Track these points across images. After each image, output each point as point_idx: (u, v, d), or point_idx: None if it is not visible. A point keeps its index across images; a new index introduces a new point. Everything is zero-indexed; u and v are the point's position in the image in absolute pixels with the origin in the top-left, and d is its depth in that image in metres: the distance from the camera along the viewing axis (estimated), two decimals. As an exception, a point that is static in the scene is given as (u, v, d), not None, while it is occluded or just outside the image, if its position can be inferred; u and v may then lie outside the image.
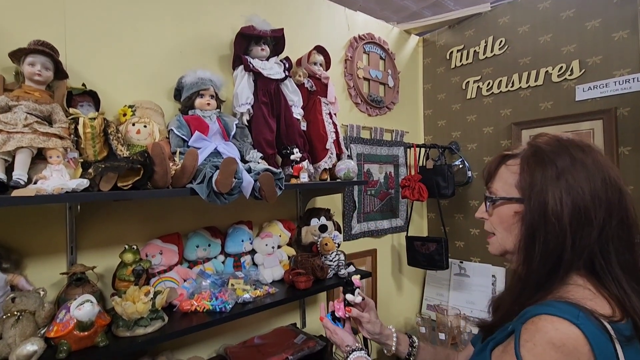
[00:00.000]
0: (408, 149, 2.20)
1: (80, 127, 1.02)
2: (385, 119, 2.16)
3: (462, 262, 2.18)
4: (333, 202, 1.83)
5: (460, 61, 2.21)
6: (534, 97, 1.91)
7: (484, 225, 0.75)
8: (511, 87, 1.99)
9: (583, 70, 1.72)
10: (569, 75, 1.77)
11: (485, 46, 2.09)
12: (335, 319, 1.00)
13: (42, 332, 0.88)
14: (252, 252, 1.43)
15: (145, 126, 1.15)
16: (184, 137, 1.20)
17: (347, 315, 0.98)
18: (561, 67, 1.79)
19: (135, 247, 1.08)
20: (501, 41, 2.03)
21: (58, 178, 0.87)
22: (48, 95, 1.01)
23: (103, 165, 0.92)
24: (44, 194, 0.79)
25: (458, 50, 2.22)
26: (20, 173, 0.84)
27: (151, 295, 0.98)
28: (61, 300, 0.99)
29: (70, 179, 0.90)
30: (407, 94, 2.32)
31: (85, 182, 0.88)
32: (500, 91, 2.04)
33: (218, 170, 1.00)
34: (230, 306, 1.12)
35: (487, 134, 2.10)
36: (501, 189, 0.69)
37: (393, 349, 0.96)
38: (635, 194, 1.57)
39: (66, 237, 1.09)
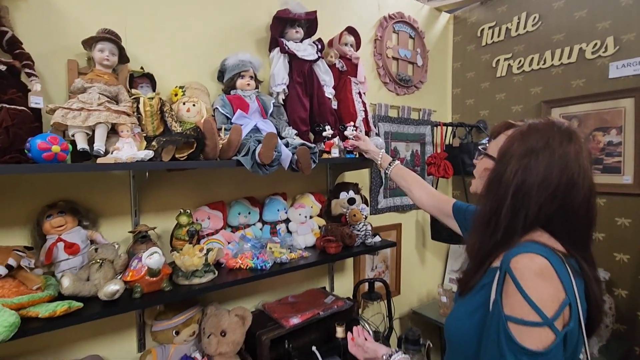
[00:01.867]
0: (435, 127, 2.25)
1: (141, 106, 1.17)
2: (413, 97, 2.20)
3: (485, 238, 2.24)
4: (361, 177, 1.93)
5: (492, 38, 2.20)
6: (565, 74, 1.89)
7: None
8: (543, 64, 1.98)
9: (617, 47, 1.70)
10: (603, 52, 1.74)
11: (518, 23, 2.07)
12: None
13: (119, 277, 1.06)
14: (287, 220, 1.57)
15: (194, 105, 1.28)
16: (227, 114, 1.33)
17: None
18: (595, 44, 1.77)
19: (189, 211, 1.24)
20: (535, 17, 2.00)
21: (128, 149, 1.03)
22: (114, 77, 1.15)
23: (164, 139, 1.06)
24: (120, 162, 0.95)
25: (489, 28, 2.21)
26: (100, 144, 1.00)
27: (204, 252, 1.15)
28: (130, 254, 1.17)
29: (137, 151, 1.05)
30: (436, 72, 2.34)
31: (150, 153, 1.03)
32: (532, 69, 2.03)
33: (260, 144, 1.12)
34: (270, 265, 1.27)
35: (515, 113, 2.11)
36: (490, 148, 0.85)
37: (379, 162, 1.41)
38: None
39: (131, 202, 1.27)
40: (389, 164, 1.38)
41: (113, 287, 0.96)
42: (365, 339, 1.05)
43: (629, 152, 1.67)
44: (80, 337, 1.20)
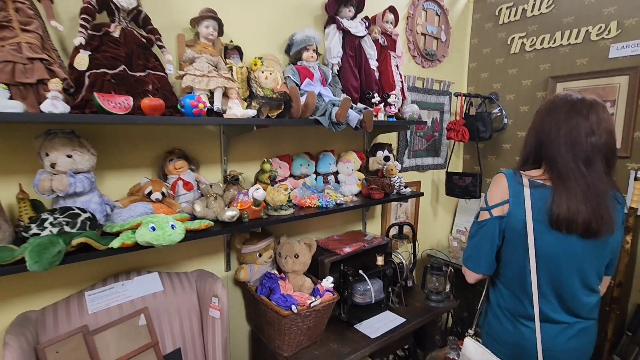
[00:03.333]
0: (455, 97, 2.54)
1: (234, 73, 1.45)
2: (436, 70, 2.48)
3: (490, 196, 2.61)
4: (390, 139, 2.24)
5: (508, 18, 2.45)
6: (572, 53, 2.18)
7: None
8: (552, 43, 2.26)
9: (619, 31, 1.98)
10: (607, 34, 2.03)
11: (534, 4, 2.32)
12: None
13: (229, 207, 1.39)
14: (336, 173, 1.90)
15: (270, 73, 1.56)
16: (297, 82, 1.62)
17: None
18: (600, 27, 2.05)
19: (270, 160, 1.55)
20: (549, 0, 2.25)
21: (237, 108, 1.32)
22: (214, 49, 1.42)
23: (263, 101, 1.36)
24: (240, 117, 1.25)
25: (507, 7, 2.45)
26: (219, 104, 1.29)
27: (288, 191, 1.47)
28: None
29: (242, 110, 1.34)
30: (455, 47, 2.60)
31: (254, 112, 1.32)
32: (542, 47, 2.31)
33: (335, 106, 1.42)
34: (332, 204, 1.61)
35: (525, 86, 2.41)
36: None
37: None
38: (645, 141, 1.93)
39: (221, 152, 1.58)
40: None
41: (232, 212, 1.29)
42: None
43: (619, 122, 2.01)
44: (187, 256, 1.55)
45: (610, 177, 1.09)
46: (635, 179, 1.93)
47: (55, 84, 0.97)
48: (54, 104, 0.95)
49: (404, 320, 1.66)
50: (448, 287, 1.86)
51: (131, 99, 1.07)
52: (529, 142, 1.17)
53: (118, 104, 1.04)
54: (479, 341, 1.23)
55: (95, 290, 1.24)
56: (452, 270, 1.86)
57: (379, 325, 1.63)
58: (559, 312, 1.10)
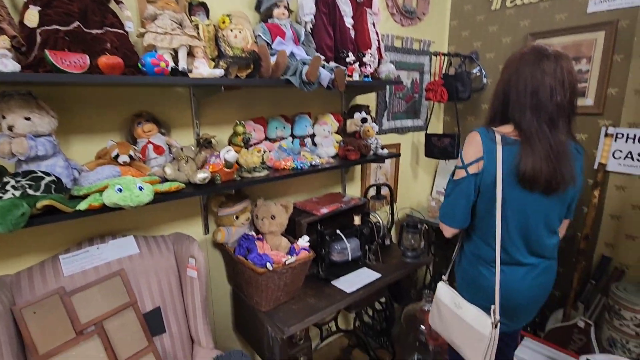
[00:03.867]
0: (434, 57, 2.50)
1: (200, 32, 1.39)
2: (415, 29, 2.42)
3: (469, 156, 2.65)
4: (369, 101, 2.22)
5: (490, -28, 2.37)
6: (551, 9, 2.15)
7: None
8: (533, -1, 2.21)
9: (598, -16, 1.94)
10: (586, -12, 1.99)
11: (515, -43, 2.24)
12: None
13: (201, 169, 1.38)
14: (312, 135, 1.89)
15: (240, 32, 1.50)
16: (267, 41, 1.56)
17: None
18: (580, -20, 2.00)
19: (243, 122, 1.53)
20: (531, -48, 2.18)
21: (204, 68, 1.28)
22: (178, 5, 1.36)
23: (231, 60, 1.32)
24: (207, 77, 1.22)
25: (489, -40, 2.37)
26: (184, 64, 1.25)
27: (262, 153, 1.47)
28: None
29: (209, 69, 1.31)
30: (436, 4, 2.53)
31: (222, 72, 1.29)
32: (523, 2, 2.26)
33: (306, 65, 1.39)
34: (307, 166, 1.62)
35: (504, 44, 2.38)
36: None
37: None
38: (618, 95, 1.95)
39: (192, 116, 1.55)
40: None
41: (203, 174, 1.29)
42: None
43: (593, 79, 2.02)
44: (162, 220, 1.56)
45: (570, 132, 1.13)
46: (606, 135, 1.98)
47: (3, 41, 0.93)
48: (3, 62, 0.91)
49: (380, 275, 1.73)
50: (423, 244, 1.92)
51: (87, 57, 1.03)
52: (497, 101, 1.21)
53: (73, 62, 1.00)
54: (452, 286, 1.33)
55: (70, 253, 1.25)
56: (427, 227, 1.92)
57: (355, 280, 1.69)
58: (527, 257, 1.21)
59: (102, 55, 1.04)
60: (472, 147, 1.17)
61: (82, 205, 1.03)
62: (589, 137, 2.09)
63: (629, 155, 1.94)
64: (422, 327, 2.04)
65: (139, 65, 1.13)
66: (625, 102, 1.94)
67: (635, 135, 1.92)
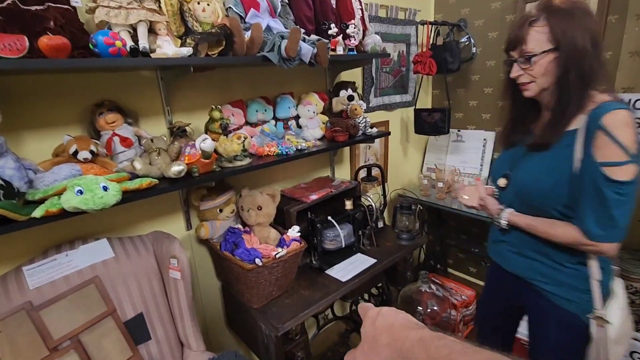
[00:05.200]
0: (420, 26, 2.36)
1: (163, 6, 1.23)
2: (400, -4, 2.27)
3: (459, 131, 2.57)
4: (355, 77, 2.09)
5: None
6: (542, -31, 2.02)
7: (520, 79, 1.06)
8: (523, -42, 2.07)
9: (592, -61, 1.82)
10: (579, -56, 1.86)
11: None
12: None
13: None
14: (297, 117, 1.77)
15: (208, 4, 1.34)
16: (240, 14, 1.41)
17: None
18: (573, -64, 1.87)
19: (219, 107, 1.39)
20: None
21: (168, 46, 1.13)
22: (134, -25, 1.18)
23: (199, 36, 1.17)
24: (172, 57, 1.07)
25: None
26: (144, 42, 1.09)
27: (242, 140, 1.34)
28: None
29: (175, 48, 1.16)
30: (421, -31, 2.37)
31: (190, 50, 1.14)
32: (512, -37, 2.12)
33: (285, 39, 1.25)
34: (293, 151, 1.50)
35: (493, 9, 2.26)
36: (537, 46, 0.97)
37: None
38: (613, 58, 1.87)
39: (162, 102, 1.40)
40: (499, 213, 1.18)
41: (178, 167, 1.16)
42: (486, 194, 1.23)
43: (587, 43, 1.93)
44: (139, 218, 1.43)
45: None
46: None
47: None
48: None
49: (375, 260, 1.66)
50: (417, 225, 1.85)
51: (25, 38, 0.87)
52: (597, 61, 0.95)
53: (8, 45, 0.84)
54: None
55: (34, 264, 1.13)
56: (421, 207, 1.84)
57: (350, 268, 1.62)
58: None
59: (44, 36, 0.89)
60: (632, 129, 0.89)
61: (38, 212, 0.90)
62: (583, 105, 2.01)
63: (624, 121, 1.88)
64: (420, 308, 2.01)
65: (90, 45, 0.97)
66: (619, 65, 1.87)
67: (630, 100, 1.85)
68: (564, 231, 1.01)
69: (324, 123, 1.84)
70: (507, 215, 1.14)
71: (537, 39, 0.97)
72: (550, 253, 1.09)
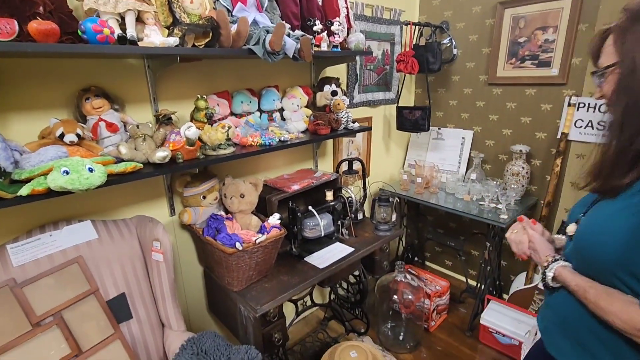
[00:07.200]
0: (404, 27, 2.44)
1: (151, -4, 1.27)
2: (386, -4, 2.34)
3: (439, 129, 2.67)
4: (339, 73, 2.16)
5: (460, -64, 2.30)
6: (520, -24, 2.12)
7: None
8: (503, -35, 2.17)
9: (566, -50, 1.92)
10: (554, -46, 1.96)
11: None
12: None
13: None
14: (281, 110, 1.82)
15: (196, -4, 1.38)
16: (227, 7, 1.45)
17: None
18: (549, -54, 1.97)
19: (205, 96, 1.44)
20: None
21: (156, 36, 1.17)
22: (123, -35, 1.21)
23: (186, 27, 1.21)
24: (159, 46, 1.11)
25: None
26: (132, 31, 1.13)
27: (226, 129, 1.39)
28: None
29: (162, 37, 1.19)
30: (407, -30, 2.44)
31: (177, 40, 1.18)
32: (493, -31, 2.21)
33: (270, 34, 1.30)
34: (275, 142, 1.56)
35: (474, 13, 2.35)
36: (605, 61, 0.76)
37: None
38: (582, 64, 1.98)
39: (149, 90, 1.43)
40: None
41: (163, 153, 1.20)
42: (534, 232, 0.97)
43: (559, 48, 2.04)
44: (123, 202, 1.47)
45: None
46: (569, 104, 2.02)
47: None
48: None
49: (353, 249, 1.74)
50: (395, 217, 1.94)
51: (15, 22, 0.90)
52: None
53: (-2, 28, 0.87)
54: None
55: (18, 242, 1.16)
56: (399, 200, 1.93)
57: (328, 256, 1.69)
58: None
59: (33, 20, 0.92)
60: None
61: (24, 191, 0.93)
62: (553, 108, 2.13)
63: (590, 124, 2.00)
64: (395, 297, 2.10)
65: (79, 32, 1.00)
66: (587, 71, 1.98)
67: (595, 104, 1.97)
68: (622, 307, 0.71)
69: (307, 116, 1.90)
70: (557, 267, 0.86)
71: (607, 52, 0.76)
72: (607, 339, 0.77)
